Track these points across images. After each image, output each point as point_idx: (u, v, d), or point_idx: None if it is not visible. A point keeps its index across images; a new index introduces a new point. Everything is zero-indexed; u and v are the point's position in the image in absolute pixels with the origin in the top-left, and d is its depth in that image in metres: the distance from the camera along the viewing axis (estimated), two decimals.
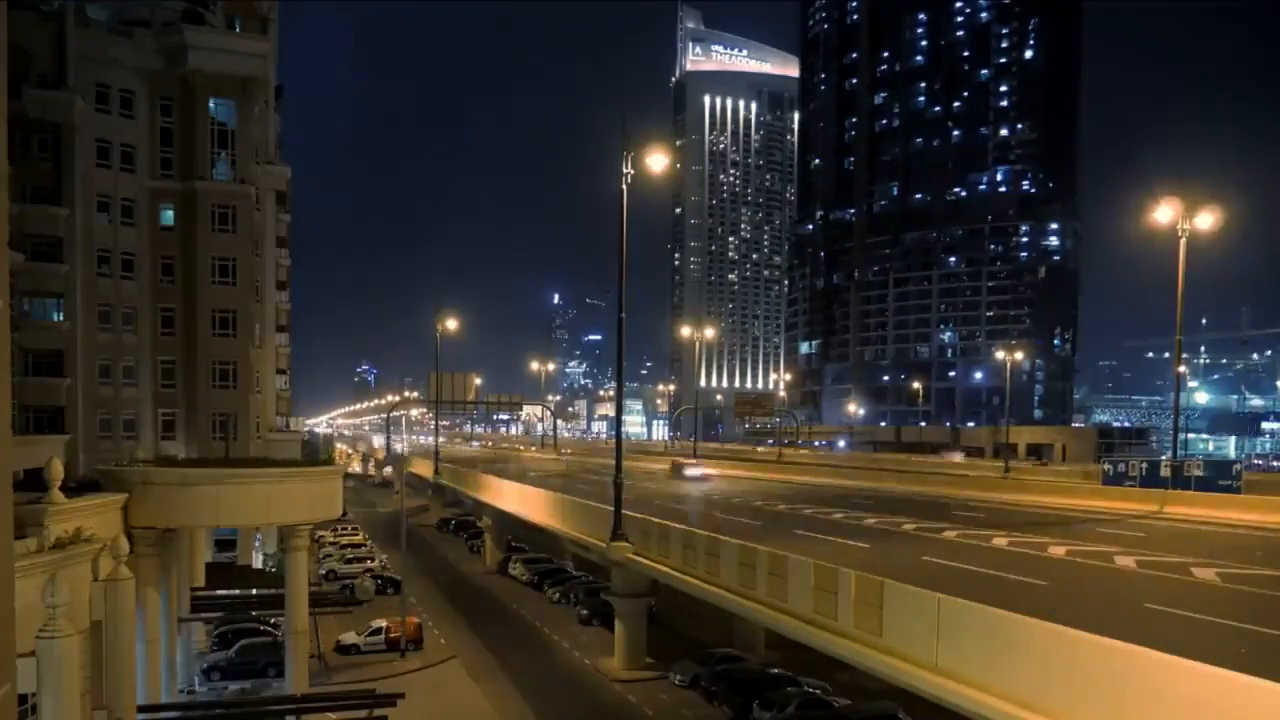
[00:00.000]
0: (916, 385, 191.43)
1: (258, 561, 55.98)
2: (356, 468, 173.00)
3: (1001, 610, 17.91)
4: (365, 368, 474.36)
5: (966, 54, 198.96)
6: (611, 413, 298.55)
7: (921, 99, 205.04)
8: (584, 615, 51.61)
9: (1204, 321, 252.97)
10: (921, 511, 45.56)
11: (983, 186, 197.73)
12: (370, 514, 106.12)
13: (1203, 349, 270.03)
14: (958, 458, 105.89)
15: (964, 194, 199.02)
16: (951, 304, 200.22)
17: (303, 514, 31.07)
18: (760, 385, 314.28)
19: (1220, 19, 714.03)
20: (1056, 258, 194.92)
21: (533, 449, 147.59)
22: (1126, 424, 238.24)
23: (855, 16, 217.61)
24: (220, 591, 42.67)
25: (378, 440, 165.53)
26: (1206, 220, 45.21)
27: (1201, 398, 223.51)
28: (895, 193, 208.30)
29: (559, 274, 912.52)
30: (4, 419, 10.27)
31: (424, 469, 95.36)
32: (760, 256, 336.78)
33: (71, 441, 44.64)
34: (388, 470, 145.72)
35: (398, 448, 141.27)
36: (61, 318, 46.43)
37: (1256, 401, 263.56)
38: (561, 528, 47.95)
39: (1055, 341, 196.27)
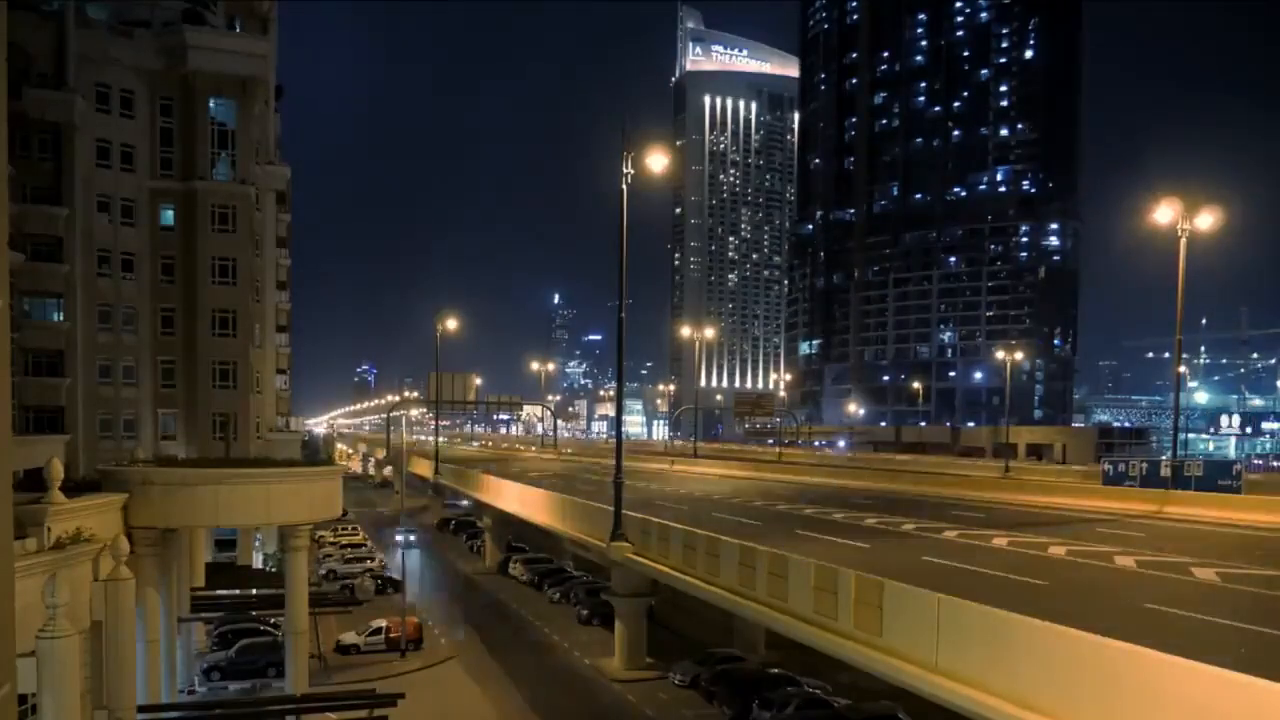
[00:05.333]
0: (916, 385, 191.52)
1: (258, 561, 55.96)
2: (356, 468, 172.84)
3: (1001, 610, 17.88)
4: (365, 368, 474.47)
5: (966, 54, 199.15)
6: (612, 413, 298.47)
7: (921, 99, 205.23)
8: (584, 615, 51.63)
9: (1204, 321, 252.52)
10: (921, 511, 45.49)
11: (983, 186, 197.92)
12: (371, 514, 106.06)
13: (1203, 349, 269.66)
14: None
15: (964, 194, 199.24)
16: (951, 304, 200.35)
17: (303, 514, 31.11)
18: (760, 385, 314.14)
19: (1221, 18, 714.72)
20: (1056, 258, 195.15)
21: (532, 449, 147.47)
22: (1126, 424, 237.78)
23: (855, 16, 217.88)
24: (220, 591, 42.72)
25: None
26: (1206, 220, 45.16)
27: (1201, 398, 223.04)
28: (895, 193, 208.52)
29: (559, 274, 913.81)
30: (4, 419, 10.27)
31: (424, 469, 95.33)
32: (760, 256, 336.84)
33: (71, 441, 44.64)
34: (388, 470, 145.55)
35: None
36: (61, 318, 46.45)
37: (1257, 401, 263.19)
38: (561, 528, 47.88)
39: (1055, 341, 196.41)
